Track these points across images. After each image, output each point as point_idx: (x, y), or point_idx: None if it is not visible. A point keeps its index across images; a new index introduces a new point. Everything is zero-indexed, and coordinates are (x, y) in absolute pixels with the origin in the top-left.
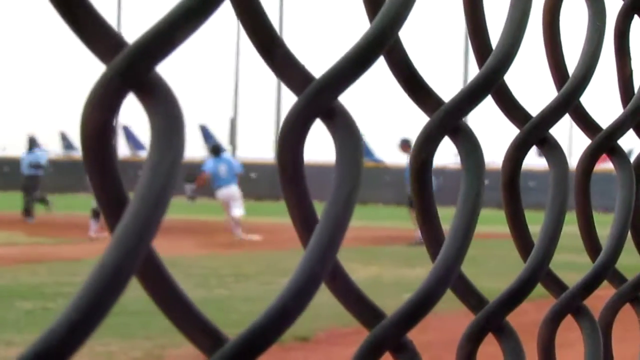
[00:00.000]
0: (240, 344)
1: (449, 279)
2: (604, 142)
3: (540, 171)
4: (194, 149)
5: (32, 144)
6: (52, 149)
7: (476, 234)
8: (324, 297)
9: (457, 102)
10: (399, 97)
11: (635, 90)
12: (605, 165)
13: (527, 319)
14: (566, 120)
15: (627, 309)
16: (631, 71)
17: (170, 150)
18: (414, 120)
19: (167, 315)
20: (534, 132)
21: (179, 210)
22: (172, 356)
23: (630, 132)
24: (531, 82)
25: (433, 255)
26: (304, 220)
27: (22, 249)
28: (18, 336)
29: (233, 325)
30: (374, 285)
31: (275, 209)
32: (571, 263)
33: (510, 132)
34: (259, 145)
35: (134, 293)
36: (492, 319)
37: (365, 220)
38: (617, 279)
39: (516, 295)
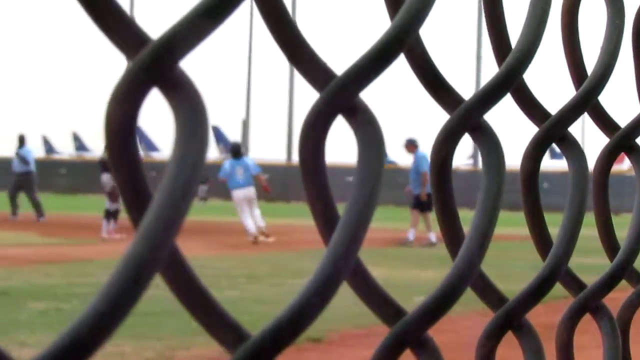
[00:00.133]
0: (263, 340)
1: (471, 275)
2: (622, 141)
3: (554, 173)
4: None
5: (22, 142)
6: (65, 150)
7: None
8: (335, 299)
9: (477, 100)
10: (412, 98)
11: None
12: (618, 166)
13: (539, 321)
14: (579, 120)
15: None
16: None
17: (194, 145)
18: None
19: (190, 311)
20: (553, 129)
21: (191, 210)
22: (182, 357)
23: None
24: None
25: (453, 253)
26: (325, 216)
27: (35, 249)
28: (31, 337)
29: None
30: (386, 287)
31: (286, 210)
32: (580, 265)
33: (523, 132)
34: (271, 147)
35: (146, 292)
36: (511, 317)
37: (377, 222)
38: (635, 277)
39: (536, 293)
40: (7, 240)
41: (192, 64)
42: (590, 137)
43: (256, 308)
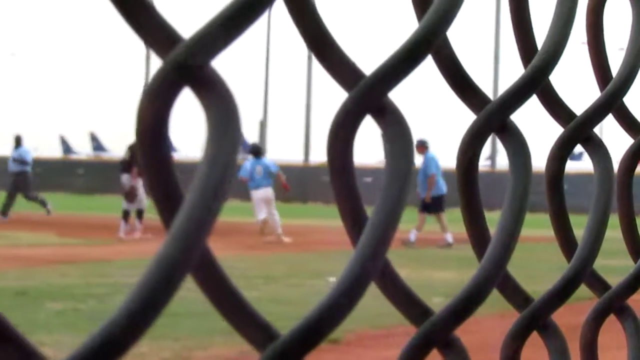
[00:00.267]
0: (292, 339)
1: (497, 276)
2: None
3: (573, 174)
4: None
5: (18, 142)
6: (82, 150)
7: None
8: None
9: (504, 101)
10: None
11: None
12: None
13: (562, 321)
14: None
15: None
16: None
17: (226, 145)
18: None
19: (221, 312)
20: (579, 130)
21: None
22: (200, 357)
23: None
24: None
25: (479, 254)
26: (353, 216)
27: (52, 249)
28: (49, 337)
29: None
30: None
31: (303, 211)
32: (604, 266)
33: (547, 135)
34: (288, 148)
35: None
36: (537, 318)
37: (404, 223)
38: None
39: (561, 294)
40: (25, 240)
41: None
42: (609, 137)
43: (273, 308)
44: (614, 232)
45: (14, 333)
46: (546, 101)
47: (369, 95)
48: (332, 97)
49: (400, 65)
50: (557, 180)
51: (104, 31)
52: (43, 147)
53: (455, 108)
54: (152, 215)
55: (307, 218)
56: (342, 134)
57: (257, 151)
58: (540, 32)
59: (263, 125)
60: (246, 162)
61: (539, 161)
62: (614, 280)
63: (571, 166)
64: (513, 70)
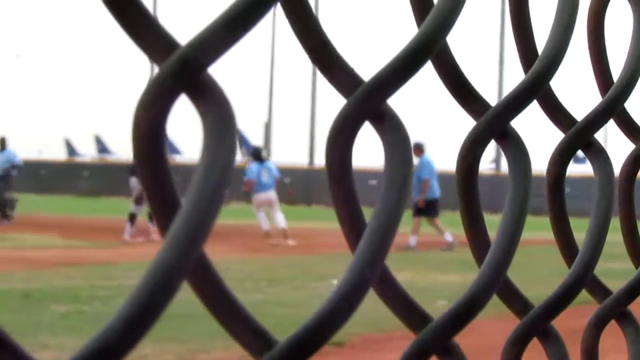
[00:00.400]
0: (289, 347)
1: (496, 282)
2: None
3: (576, 177)
4: None
5: (3, 144)
6: (87, 152)
7: None
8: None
9: (504, 107)
10: (435, 101)
11: None
12: None
13: (565, 325)
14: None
15: None
16: None
17: (222, 151)
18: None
19: (216, 317)
20: (579, 136)
21: None
22: None
23: None
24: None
25: (479, 259)
26: (351, 222)
27: (57, 252)
28: (53, 339)
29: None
30: (408, 291)
31: (308, 213)
32: (616, 271)
33: (550, 138)
34: (293, 150)
35: None
36: (537, 324)
37: (402, 227)
38: None
39: (561, 299)
40: (29, 242)
41: (213, 67)
42: (613, 142)
43: (278, 311)
44: (614, 236)
45: (6, 338)
46: (547, 107)
47: (367, 101)
48: (337, 99)
49: (399, 71)
50: (557, 185)
51: (109, 33)
52: (48, 149)
53: (458, 110)
54: None
55: (311, 221)
56: (340, 140)
57: (259, 155)
58: (542, 37)
59: (268, 127)
60: (252, 165)
61: (542, 165)
62: (615, 284)
63: (575, 169)
64: (518, 73)
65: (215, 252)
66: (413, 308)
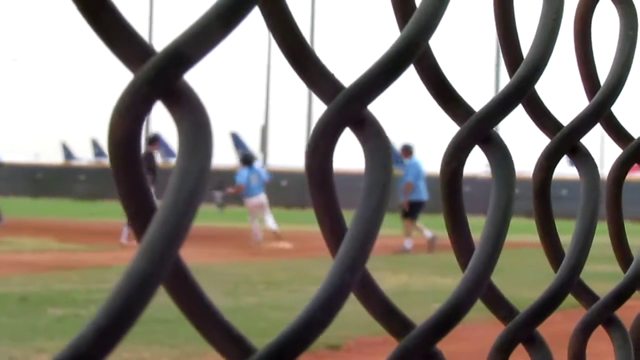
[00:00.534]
0: (268, 354)
1: (479, 288)
2: (636, 152)
3: (573, 180)
4: (224, 157)
5: None
6: (84, 156)
7: (507, 243)
8: (354, 306)
9: (488, 111)
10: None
11: None
12: (637, 174)
13: (557, 328)
14: (598, 129)
15: None
16: None
17: (198, 159)
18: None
19: (194, 324)
20: (565, 141)
21: (209, 217)
22: None
23: None
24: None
25: (463, 264)
26: (332, 229)
27: (53, 255)
28: (49, 343)
29: (263, 334)
30: (403, 294)
31: (305, 216)
32: (603, 273)
33: (542, 140)
34: (289, 153)
35: (161, 300)
36: (522, 330)
37: (394, 229)
38: None
39: (547, 305)
40: (26, 246)
41: (211, 70)
42: (610, 149)
43: (274, 314)
44: (601, 238)
45: None
46: (532, 111)
47: (348, 108)
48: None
49: (381, 76)
50: (544, 190)
51: None
52: (44, 153)
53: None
54: None
55: (308, 224)
56: (321, 146)
57: (249, 160)
58: (527, 41)
59: (264, 130)
60: (242, 170)
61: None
62: (602, 286)
63: (571, 171)
64: None
65: (213, 255)
66: (395, 314)
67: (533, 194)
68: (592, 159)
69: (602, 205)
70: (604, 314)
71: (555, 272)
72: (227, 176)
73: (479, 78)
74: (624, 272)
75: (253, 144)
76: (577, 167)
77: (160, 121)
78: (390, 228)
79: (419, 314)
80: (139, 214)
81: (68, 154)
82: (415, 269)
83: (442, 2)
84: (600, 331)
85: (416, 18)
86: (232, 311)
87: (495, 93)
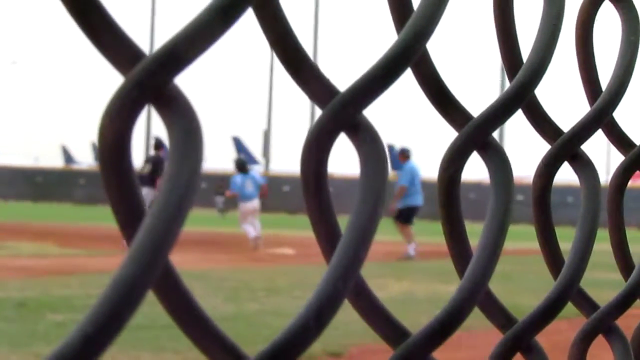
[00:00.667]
0: None
1: (476, 297)
2: (638, 159)
3: (578, 186)
4: (225, 161)
5: None
6: (84, 159)
7: (511, 250)
8: (356, 313)
9: (486, 117)
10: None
11: None
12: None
13: (561, 337)
14: (603, 135)
15: None
16: None
17: (187, 165)
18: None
19: (184, 331)
20: (566, 147)
21: (210, 222)
22: None
23: None
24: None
25: (460, 272)
26: (327, 236)
27: (53, 260)
28: (48, 349)
29: (264, 341)
30: (407, 301)
31: (307, 222)
32: (604, 281)
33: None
34: (292, 158)
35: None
36: (521, 339)
37: (397, 235)
38: None
39: (546, 314)
40: (25, 250)
41: (213, 73)
42: (616, 155)
43: (276, 322)
44: (600, 245)
45: None
46: (532, 117)
47: (342, 112)
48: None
49: (376, 81)
50: (544, 198)
51: None
52: (44, 156)
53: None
54: None
55: (310, 229)
56: (315, 151)
57: (243, 166)
58: (528, 46)
59: (267, 134)
60: (236, 177)
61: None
62: (601, 294)
63: (576, 178)
64: None
65: (213, 261)
66: (390, 322)
67: (532, 201)
68: (593, 167)
69: (603, 212)
70: (604, 323)
71: (555, 280)
72: (228, 181)
73: (484, 82)
74: (626, 280)
75: (255, 149)
76: (577, 174)
77: (160, 125)
78: (393, 235)
79: (423, 321)
80: (129, 219)
81: (68, 157)
82: (419, 275)
83: (440, 5)
84: (603, 340)
85: (413, 21)
86: (234, 318)
87: (501, 90)
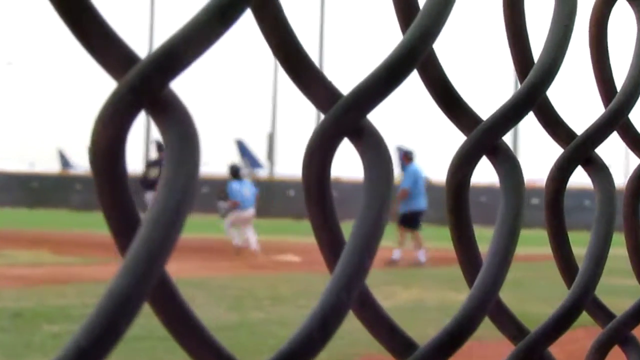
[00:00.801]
0: None
1: (487, 306)
2: None
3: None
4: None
5: None
6: (81, 164)
7: (524, 255)
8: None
9: (495, 121)
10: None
11: None
12: None
13: (577, 346)
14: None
15: None
16: None
17: (184, 171)
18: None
19: (180, 343)
20: (579, 151)
21: (213, 229)
22: None
23: None
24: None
25: (469, 280)
26: (330, 243)
27: (48, 269)
28: None
29: (269, 351)
30: (416, 309)
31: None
32: (620, 287)
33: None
34: (297, 162)
35: None
36: (533, 350)
37: (392, 240)
38: None
39: (559, 324)
40: (20, 259)
41: (216, 75)
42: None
43: (281, 331)
44: (615, 249)
45: None
46: (544, 119)
47: (346, 117)
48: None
49: (381, 84)
50: (556, 202)
51: None
52: (40, 161)
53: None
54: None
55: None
56: (318, 157)
57: (237, 173)
58: (539, 47)
59: (271, 138)
60: (233, 184)
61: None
62: (617, 301)
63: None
64: None
65: (216, 268)
66: (396, 334)
67: (545, 206)
68: (608, 171)
69: (619, 216)
70: (620, 333)
71: (569, 287)
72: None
73: (497, 84)
74: None
75: (259, 152)
76: (591, 179)
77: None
78: (390, 239)
79: (433, 331)
80: (122, 227)
81: (65, 162)
82: (429, 283)
83: (447, 3)
84: (619, 350)
85: (419, 21)
86: (237, 327)
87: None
